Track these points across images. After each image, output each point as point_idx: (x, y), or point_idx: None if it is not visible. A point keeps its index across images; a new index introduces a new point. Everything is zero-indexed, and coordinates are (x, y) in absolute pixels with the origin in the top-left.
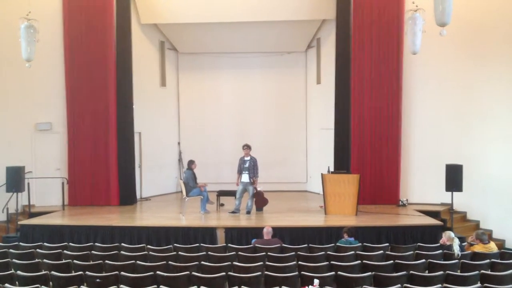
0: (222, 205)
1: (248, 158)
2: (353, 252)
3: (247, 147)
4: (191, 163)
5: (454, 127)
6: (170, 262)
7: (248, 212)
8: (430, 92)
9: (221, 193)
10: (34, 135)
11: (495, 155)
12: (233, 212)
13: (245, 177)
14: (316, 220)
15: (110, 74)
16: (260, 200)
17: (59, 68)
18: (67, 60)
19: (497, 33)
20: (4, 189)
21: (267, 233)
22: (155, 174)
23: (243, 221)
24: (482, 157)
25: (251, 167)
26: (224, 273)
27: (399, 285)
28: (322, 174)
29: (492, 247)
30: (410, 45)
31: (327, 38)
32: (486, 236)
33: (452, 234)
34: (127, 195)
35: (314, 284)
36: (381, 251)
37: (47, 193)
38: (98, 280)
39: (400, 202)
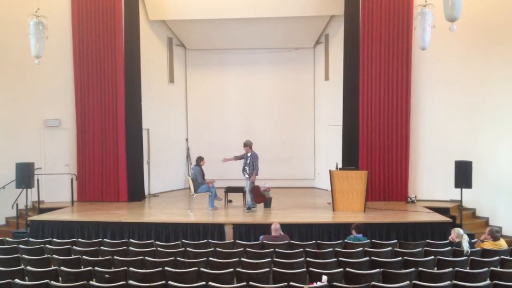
0: (230, 201)
1: (249, 154)
2: (361, 248)
3: (245, 144)
4: (200, 159)
5: (463, 123)
6: (178, 258)
7: (248, 209)
8: (439, 89)
9: (229, 190)
10: (43, 132)
11: (504, 152)
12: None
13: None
14: (324, 216)
15: (119, 70)
16: (257, 196)
17: (68, 64)
18: (76, 57)
19: (507, 30)
20: (14, 185)
21: (275, 230)
22: (163, 171)
23: (251, 217)
24: (491, 153)
25: (250, 163)
26: (232, 269)
27: (407, 282)
28: (330, 170)
29: (502, 244)
30: (419, 41)
31: (336, 34)
32: (499, 234)
33: (461, 231)
34: (136, 191)
35: (322, 281)
36: (390, 248)
37: (56, 189)
38: (107, 275)
39: (409, 198)
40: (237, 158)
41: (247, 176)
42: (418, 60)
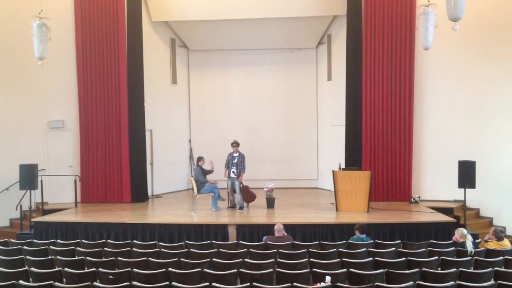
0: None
1: (237, 154)
2: (365, 249)
3: (236, 144)
4: (199, 159)
5: (466, 123)
6: (182, 259)
7: (241, 208)
8: (442, 89)
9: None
10: (46, 133)
11: (507, 152)
12: (231, 207)
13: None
14: (328, 217)
15: (122, 71)
16: (247, 196)
17: (71, 66)
18: (79, 58)
19: (510, 29)
20: (18, 186)
21: (278, 230)
22: (166, 171)
23: (255, 218)
24: (494, 153)
25: (239, 163)
26: (235, 270)
27: (411, 282)
28: (333, 171)
29: (506, 244)
30: (422, 41)
31: (338, 34)
32: (503, 234)
33: (464, 231)
34: (139, 192)
35: (326, 281)
36: (393, 248)
37: (60, 190)
38: (111, 276)
39: (412, 199)
40: (227, 165)
41: (233, 175)
42: (421, 60)
